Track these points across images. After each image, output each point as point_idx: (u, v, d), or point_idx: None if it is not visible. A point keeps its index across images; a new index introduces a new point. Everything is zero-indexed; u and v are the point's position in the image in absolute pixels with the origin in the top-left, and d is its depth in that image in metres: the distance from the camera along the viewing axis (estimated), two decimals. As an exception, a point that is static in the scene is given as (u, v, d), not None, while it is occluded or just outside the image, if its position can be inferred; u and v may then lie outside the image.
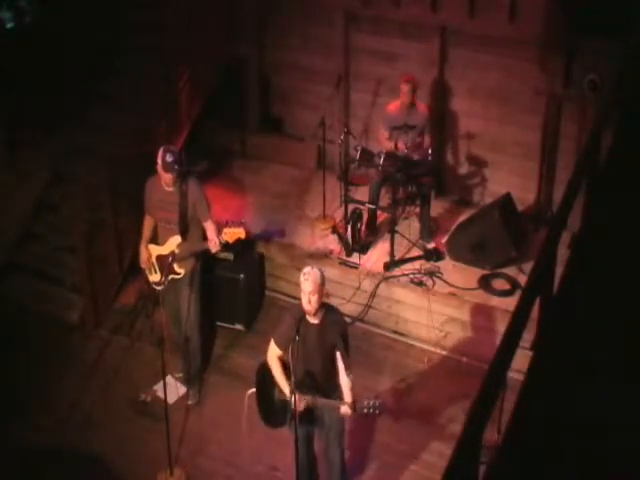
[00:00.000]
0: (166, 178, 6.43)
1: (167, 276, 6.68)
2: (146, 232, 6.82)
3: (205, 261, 6.95)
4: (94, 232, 7.71)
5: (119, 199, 7.77)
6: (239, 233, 6.31)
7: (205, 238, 6.59)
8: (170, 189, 6.52)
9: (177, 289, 6.77)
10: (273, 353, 5.47)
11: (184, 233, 6.58)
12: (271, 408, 5.58)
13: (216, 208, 7.46)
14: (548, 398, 4.00)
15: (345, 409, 5.32)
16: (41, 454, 6.52)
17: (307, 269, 5.27)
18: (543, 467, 3.67)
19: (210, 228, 6.53)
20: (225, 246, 6.48)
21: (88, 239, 7.62)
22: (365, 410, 5.29)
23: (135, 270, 7.80)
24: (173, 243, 6.58)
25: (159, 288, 6.74)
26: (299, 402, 5.27)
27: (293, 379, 5.21)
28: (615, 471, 3.66)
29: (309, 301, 5.19)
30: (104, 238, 7.79)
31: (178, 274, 6.68)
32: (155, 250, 6.76)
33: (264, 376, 5.58)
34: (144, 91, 8.36)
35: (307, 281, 5.17)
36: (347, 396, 5.38)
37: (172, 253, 6.58)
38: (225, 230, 6.33)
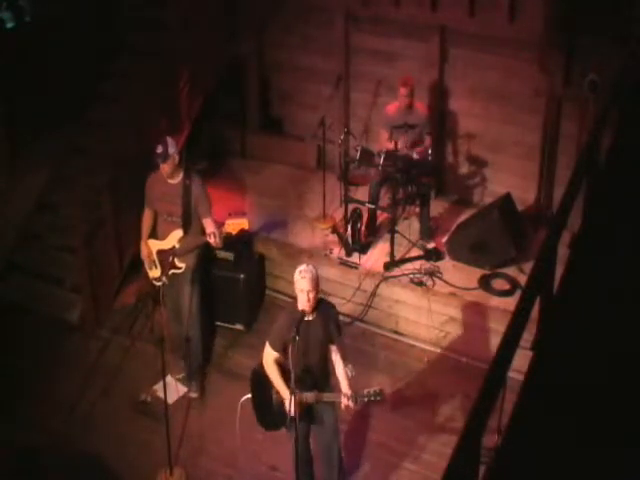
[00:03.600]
0: (163, 169, 6.53)
1: (168, 271, 6.69)
2: (145, 227, 6.86)
3: (205, 258, 6.97)
4: (94, 232, 7.71)
5: (119, 199, 7.77)
6: (242, 224, 6.39)
7: (204, 234, 6.59)
8: (173, 182, 6.59)
9: (178, 284, 6.79)
10: (269, 357, 5.40)
11: (186, 227, 6.61)
12: (269, 412, 5.54)
13: (216, 208, 7.47)
14: (548, 398, 4.00)
15: (345, 402, 5.25)
16: (41, 454, 6.51)
17: (303, 267, 5.23)
18: (543, 467, 3.67)
19: (210, 224, 6.55)
20: (227, 240, 6.43)
21: (88, 239, 7.62)
22: (366, 399, 5.22)
23: (135, 270, 7.82)
24: (174, 237, 6.60)
25: (159, 284, 6.74)
26: (299, 401, 5.23)
27: (294, 378, 5.14)
28: (615, 470, 3.66)
29: (308, 299, 5.17)
30: (104, 238, 7.79)
31: (179, 268, 6.70)
32: (155, 245, 6.79)
33: (259, 380, 5.52)
34: (144, 91, 8.36)
35: (304, 279, 5.15)
36: (345, 388, 5.33)
37: (173, 248, 6.60)
38: (227, 222, 6.37)
